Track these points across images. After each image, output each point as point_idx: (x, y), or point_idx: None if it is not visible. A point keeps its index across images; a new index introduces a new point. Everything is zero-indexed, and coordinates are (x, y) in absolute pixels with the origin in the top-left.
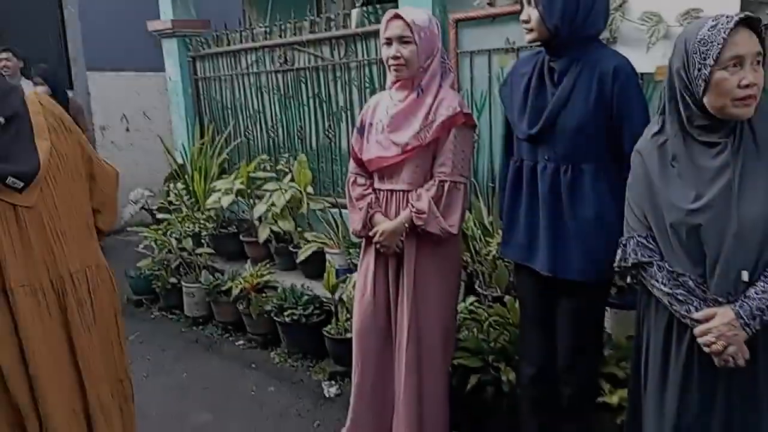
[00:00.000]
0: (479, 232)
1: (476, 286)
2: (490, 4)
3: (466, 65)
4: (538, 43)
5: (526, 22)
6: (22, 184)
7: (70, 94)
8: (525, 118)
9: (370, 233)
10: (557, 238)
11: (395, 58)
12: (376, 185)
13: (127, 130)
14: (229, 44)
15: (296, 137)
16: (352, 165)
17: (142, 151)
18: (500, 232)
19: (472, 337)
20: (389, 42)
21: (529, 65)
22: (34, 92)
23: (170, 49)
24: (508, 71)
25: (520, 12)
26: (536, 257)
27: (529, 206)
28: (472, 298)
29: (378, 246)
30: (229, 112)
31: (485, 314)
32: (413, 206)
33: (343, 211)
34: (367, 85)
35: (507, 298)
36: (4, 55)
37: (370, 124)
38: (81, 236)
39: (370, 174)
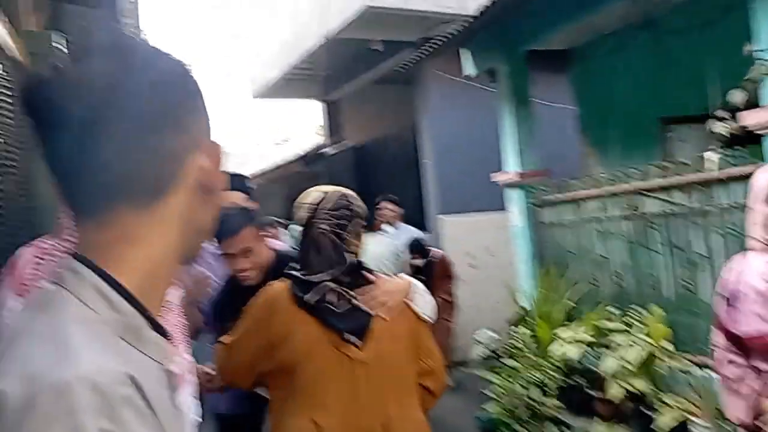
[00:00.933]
0: None
1: None
2: None
3: None
4: None
5: None
6: (358, 341)
7: (438, 252)
8: None
9: (765, 427)
10: None
11: None
12: (759, 365)
13: (471, 266)
14: (571, 191)
15: (647, 286)
16: (719, 338)
17: (485, 287)
18: None
19: None
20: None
21: None
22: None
23: (514, 197)
24: None
25: None
26: None
27: None
28: None
29: None
30: (573, 257)
31: None
32: None
33: (712, 374)
34: (731, 232)
35: None
36: (383, 204)
37: (739, 291)
38: (403, 392)
39: (745, 349)
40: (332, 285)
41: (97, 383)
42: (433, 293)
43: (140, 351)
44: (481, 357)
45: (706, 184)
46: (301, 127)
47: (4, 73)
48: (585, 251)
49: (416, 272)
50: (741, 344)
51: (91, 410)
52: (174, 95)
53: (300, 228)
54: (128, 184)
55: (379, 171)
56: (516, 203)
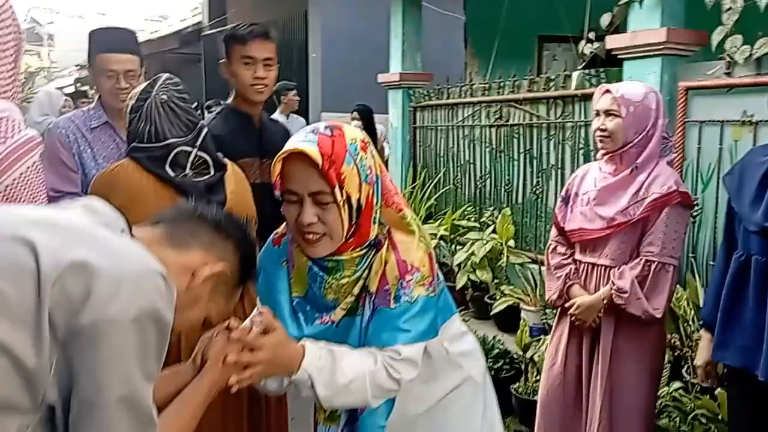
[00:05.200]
0: (692, 313)
1: (684, 372)
2: (728, 74)
3: (694, 136)
4: None
5: None
6: None
7: (380, 128)
8: (759, 209)
9: (566, 305)
10: None
11: (600, 130)
12: (577, 256)
13: None
14: (448, 98)
15: (503, 190)
16: (553, 232)
17: None
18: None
19: (673, 427)
20: (597, 114)
21: (766, 153)
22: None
23: (395, 98)
24: (737, 161)
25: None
26: (759, 363)
27: (757, 306)
28: (677, 384)
29: (573, 318)
30: (442, 160)
31: (691, 404)
32: (614, 284)
33: (544, 268)
34: (581, 146)
35: (718, 391)
36: (293, 93)
37: (576, 194)
38: None
39: (572, 244)
40: (187, 148)
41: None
42: None
43: None
44: None
45: (566, 100)
46: (178, 4)
47: None
48: (453, 155)
49: None
50: (567, 238)
51: (163, 296)
52: None
53: (131, 104)
54: None
55: None
56: (396, 105)
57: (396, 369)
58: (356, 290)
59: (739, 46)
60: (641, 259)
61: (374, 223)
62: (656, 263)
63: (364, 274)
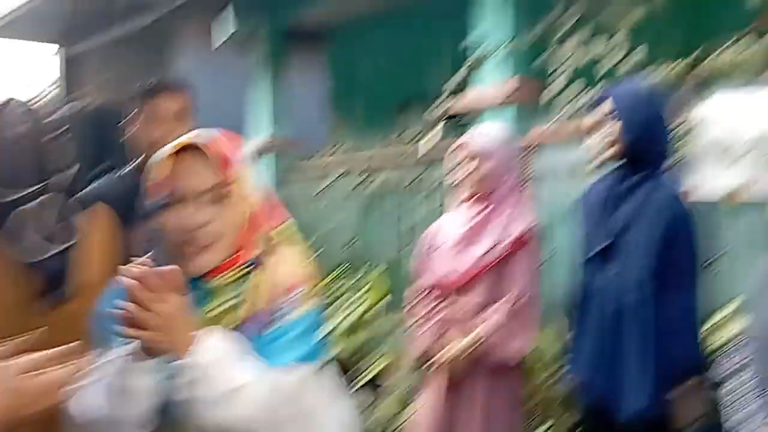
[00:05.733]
0: (546, 357)
1: (546, 415)
2: (565, 126)
3: (539, 184)
4: (612, 163)
5: (605, 137)
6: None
7: None
8: (594, 237)
9: (433, 359)
10: (615, 365)
11: (466, 174)
12: (440, 307)
13: None
14: (313, 164)
15: (373, 251)
16: (415, 287)
17: None
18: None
19: None
20: (461, 160)
21: (602, 186)
22: None
23: (263, 165)
24: (581, 193)
25: (596, 130)
26: (594, 385)
27: (596, 329)
28: (542, 429)
29: (440, 371)
30: (312, 223)
31: None
32: (478, 331)
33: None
34: (438, 205)
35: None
36: None
37: (435, 245)
38: None
39: (435, 297)
40: (36, 204)
41: None
42: None
43: None
44: None
45: (422, 162)
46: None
47: None
48: (323, 219)
49: None
50: (430, 290)
51: None
52: None
53: None
54: None
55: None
56: (264, 171)
57: (287, 389)
58: (232, 318)
59: (569, 100)
60: (502, 303)
61: (259, 235)
62: (517, 305)
63: (241, 298)
